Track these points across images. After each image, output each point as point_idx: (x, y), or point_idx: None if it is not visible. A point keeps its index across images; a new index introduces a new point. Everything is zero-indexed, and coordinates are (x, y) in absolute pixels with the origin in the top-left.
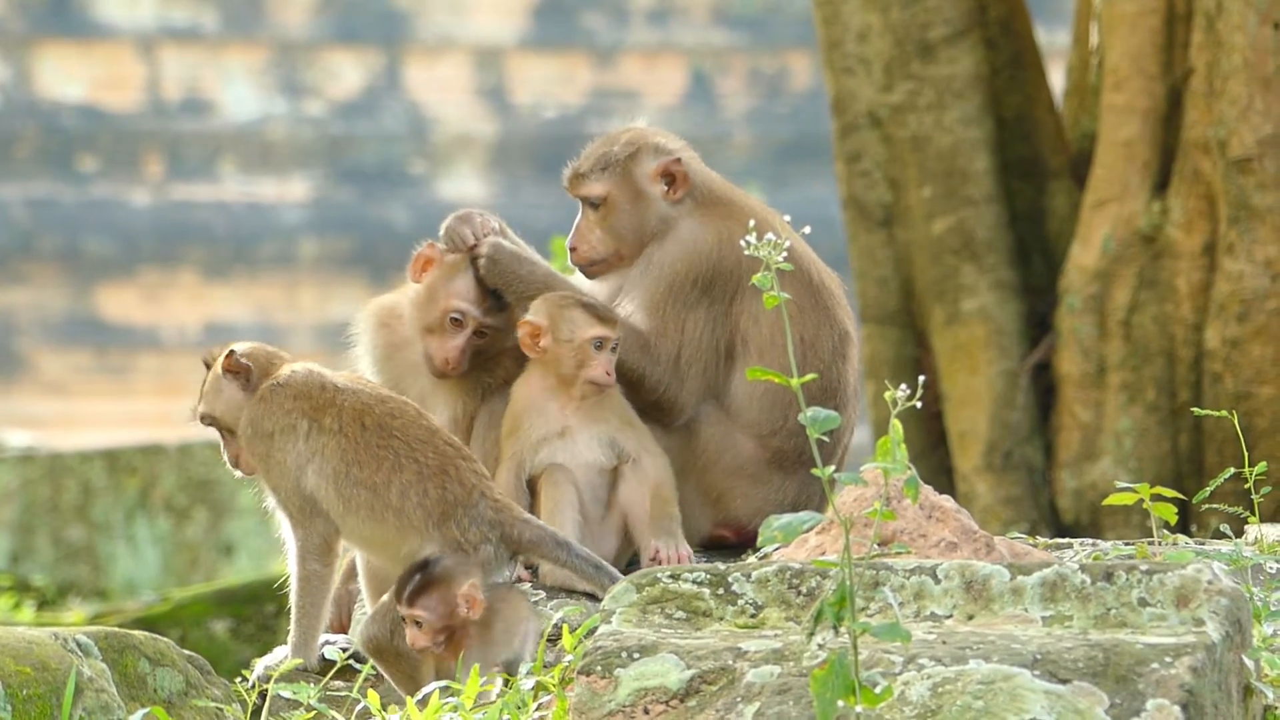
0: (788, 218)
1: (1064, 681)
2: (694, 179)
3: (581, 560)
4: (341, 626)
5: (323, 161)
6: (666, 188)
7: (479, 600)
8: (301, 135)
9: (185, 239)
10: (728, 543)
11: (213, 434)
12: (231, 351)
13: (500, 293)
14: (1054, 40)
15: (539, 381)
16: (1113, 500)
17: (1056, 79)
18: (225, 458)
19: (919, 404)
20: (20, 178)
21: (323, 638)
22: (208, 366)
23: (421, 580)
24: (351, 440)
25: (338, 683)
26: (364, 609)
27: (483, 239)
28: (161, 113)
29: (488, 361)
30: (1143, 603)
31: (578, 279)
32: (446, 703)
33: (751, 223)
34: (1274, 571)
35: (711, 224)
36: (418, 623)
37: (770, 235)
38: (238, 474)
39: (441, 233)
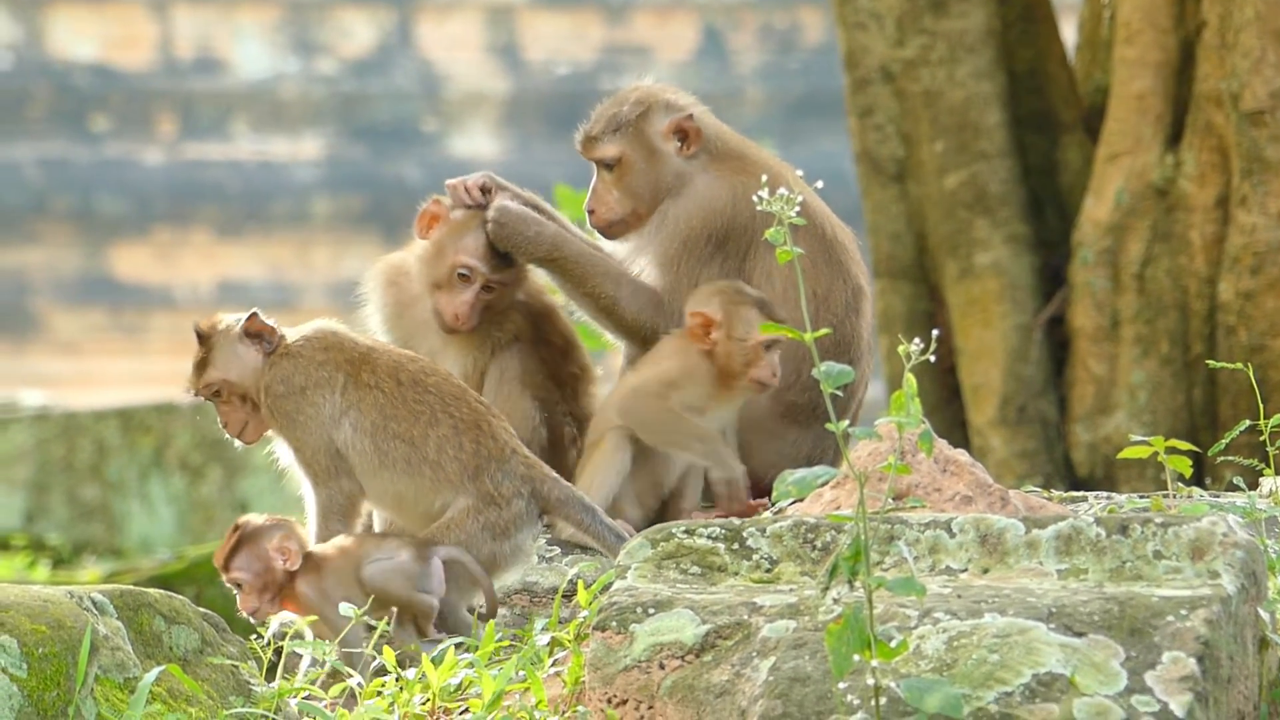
0: (800, 173)
1: (1079, 634)
2: (706, 133)
3: (604, 528)
4: None
5: (335, 120)
6: (680, 144)
7: (293, 551)
8: (314, 93)
9: (198, 198)
10: None
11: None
12: (255, 314)
13: (510, 255)
14: None
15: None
16: (1127, 454)
17: (1068, 32)
18: (224, 426)
19: (933, 358)
20: (33, 137)
21: None
22: (202, 338)
23: (233, 542)
24: (389, 395)
25: None
26: None
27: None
28: (174, 71)
29: (497, 316)
30: (1158, 556)
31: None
32: (463, 658)
33: (765, 177)
34: None
35: (726, 179)
36: (238, 584)
37: (783, 190)
38: (238, 444)
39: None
